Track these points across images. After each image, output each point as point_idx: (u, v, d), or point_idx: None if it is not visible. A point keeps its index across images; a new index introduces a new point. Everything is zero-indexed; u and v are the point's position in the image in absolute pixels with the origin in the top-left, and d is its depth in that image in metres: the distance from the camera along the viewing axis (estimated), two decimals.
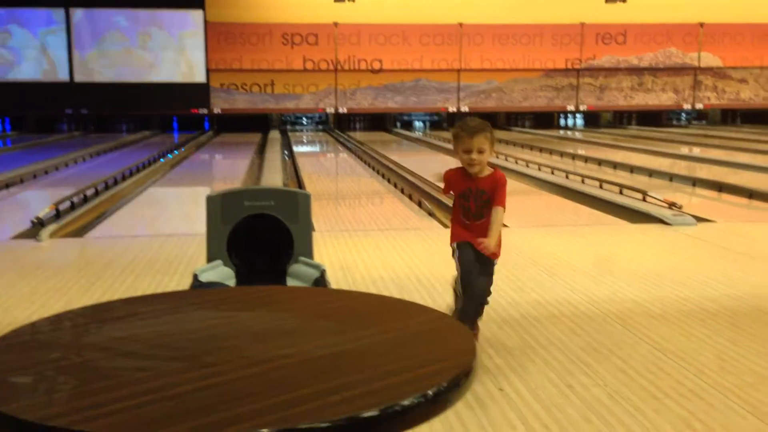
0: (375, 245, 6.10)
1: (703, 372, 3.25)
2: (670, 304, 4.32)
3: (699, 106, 22.69)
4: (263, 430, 1.01)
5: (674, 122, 23.20)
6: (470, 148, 3.30)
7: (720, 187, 9.45)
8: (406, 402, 1.04)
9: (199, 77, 21.43)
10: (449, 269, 5.39)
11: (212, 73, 21.51)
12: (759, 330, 3.83)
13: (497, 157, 13.63)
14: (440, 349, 1.26)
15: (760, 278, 4.91)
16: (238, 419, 1.05)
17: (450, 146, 16.57)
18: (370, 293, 1.64)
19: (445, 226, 7.31)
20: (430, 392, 1.07)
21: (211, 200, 3.23)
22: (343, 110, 22.02)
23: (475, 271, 3.41)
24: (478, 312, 3.56)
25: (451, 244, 3.53)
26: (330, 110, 22.06)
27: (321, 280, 3.11)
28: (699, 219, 6.97)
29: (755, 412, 2.86)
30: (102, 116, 21.20)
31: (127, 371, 1.24)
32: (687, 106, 22.73)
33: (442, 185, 3.57)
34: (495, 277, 3.63)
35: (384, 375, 1.16)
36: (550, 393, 3.07)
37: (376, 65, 21.84)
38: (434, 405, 1.09)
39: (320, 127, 22.64)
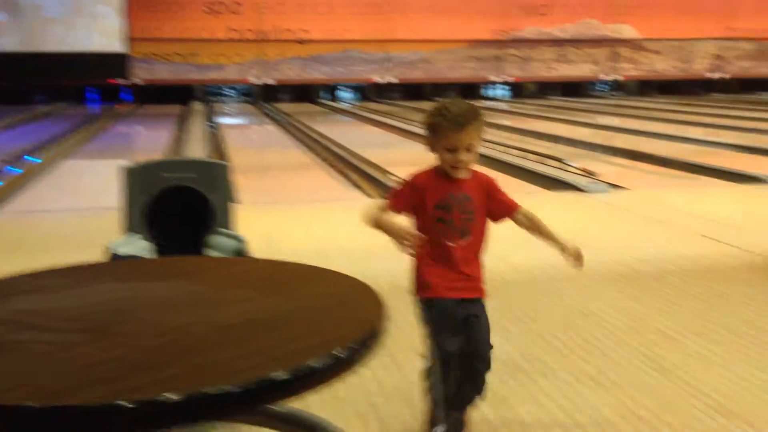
0: (300, 217, 6.11)
1: (611, 332, 3.41)
2: (584, 268, 4.48)
3: (617, 77, 23.34)
4: (170, 394, 1.03)
5: (595, 93, 23.82)
6: (457, 146, 2.26)
7: (635, 155, 9.81)
8: (314, 363, 1.09)
9: (118, 47, 20.76)
10: (374, 240, 5.47)
11: (132, 43, 20.87)
12: (664, 291, 4.04)
13: (421, 127, 13.75)
14: (351, 313, 1.30)
15: (667, 242, 5.15)
16: (145, 386, 1.07)
17: (379, 118, 16.66)
18: (284, 261, 1.67)
19: (371, 195, 7.38)
20: (338, 354, 1.12)
21: (127, 172, 3.18)
22: (269, 81, 21.74)
23: (464, 339, 2.34)
24: (479, 387, 2.42)
25: (418, 294, 2.41)
26: (255, 81, 21.74)
27: (241, 252, 3.11)
28: (613, 186, 7.24)
29: (658, 368, 3.03)
30: (13, 87, 20.30)
31: (33, 344, 1.24)
32: (606, 77, 23.36)
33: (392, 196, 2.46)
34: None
35: (294, 339, 1.20)
36: None
37: (303, 35, 21.60)
38: (343, 366, 1.14)
39: (246, 98, 22.30)
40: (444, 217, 2.35)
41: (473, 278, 2.38)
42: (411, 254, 2.33)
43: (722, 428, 2.54)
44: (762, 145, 10.78)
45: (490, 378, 2.94)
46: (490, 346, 2.38)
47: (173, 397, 1.03)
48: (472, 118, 2.28)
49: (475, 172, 2.40)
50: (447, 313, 2.32)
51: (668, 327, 3.50)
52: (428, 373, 2.39)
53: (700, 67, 23.71)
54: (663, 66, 23.56)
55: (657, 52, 23.44)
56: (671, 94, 22.87)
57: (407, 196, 2.38)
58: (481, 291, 2.39)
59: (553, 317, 3.63)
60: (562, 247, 2.44)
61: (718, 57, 23.68)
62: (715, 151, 10.75)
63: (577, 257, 2.43)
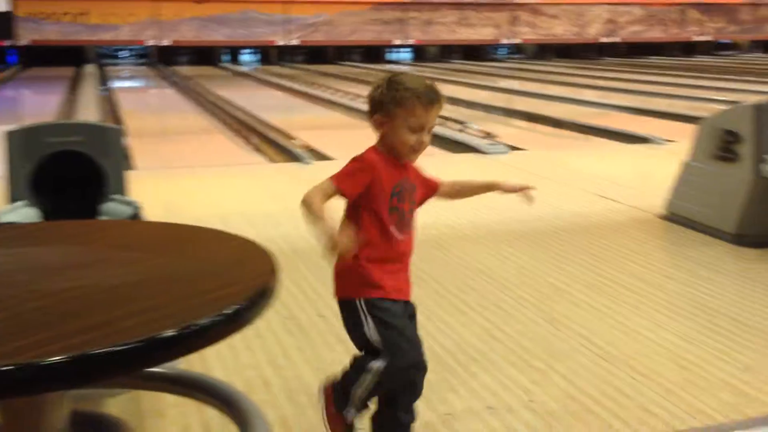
0: (199, 183, 5.99)
1: (505, 286, 3.54)
2: (482, 226, 4.62)
3: (517, 40, 23.81)
4: (53, 357, 1.01)
5: (495, 56, 24.23)
6: (424, 125, 2.00)
7: (533, 117, 10.09)
8: (203, 321, 1.08)
9: (2, 5, 19.52)
10: (275, 205, 5.46)
11: (16, 1, 19.66)
12: (557, 247, 4.22)
13: (326, 91, 13.67)
14: (241, 272, 1.30)
15: (560, 199, 5.35)
16: (25, 349, 1.04)
17: (282, 81, 16.40)
18: (177, 223, 1.64)
19: (273, 160, 7.31)
20: (227, 311, 1.12)
21: (10, 136, 3.03)
22: (166, 42, 20.99)
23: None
24: (419, 392, 2.13)
25: (360, 294, 2.08)
26: (151, 43, 20.94)
27: (136, 218, 3.03)
28: (512, 148, 7.43)
29: (549, 319, 3.17)
30: None
31: None
32: (506, 41, 23.78)
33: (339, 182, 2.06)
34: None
35: (182, 298, 1.19)
36: None
37: None
38: (232, 323, 1.14)
39: (142, 60, 21.47)
40: (397, 206, 2.05)
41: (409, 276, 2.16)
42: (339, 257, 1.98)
43: (607, 373, 2.69)
44: (651, 107, 11.28)
45: None
46: None
47: (56, 358, 1.01)
48: (440, 94, 2.03)
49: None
50: (403, 318, 2.07)
51: (559, 280, 3.66)
52: (363, 371, 2.03)
53: (594, 31, 24.48)
54: (560, 30, 24.18)
55: (554, 17, 24.02)
56: (567, 57, 23.55)
57: (360, 177, 2.00)
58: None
59: (450, 275, 3.73)
60: (500, 186, 2.33)
61: (611, 21, 24.50)
62: (607, 113, 11.18)
63: (520, 188, 2.34)
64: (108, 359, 1.04)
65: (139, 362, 1.09)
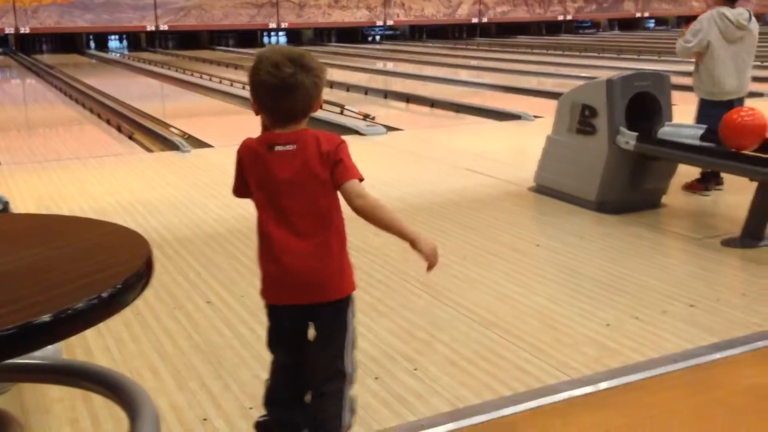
0: (73, 176, 5.78)
1: (388, 263, 3.67)
2: None
3: (390, 22, 24.07)
4: None
5: (369, 39, 24.39)
6: None
7: (408, 98, 10.29)
8: (79, 305, 1.10)
9: None
10: (154, 193, 5.36)
11: None
12: (434, 221, 4.39)
13: (201, 77, 13.38)
14: (115, 256, 1.32)
15: (436, 176, 5.55)
16: None
17: (153, 68, 15.87)
18: (47, 214, 1.62)
19: (149, 149, 7.13)
20: (104, 294, 1.14)
21: None
22: (25, 30, 19.82)
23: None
24: None
25: (352, 288, 2.00)
26: (9, 30, 19.72)
27: (4, 212, 2.92)
28: (389, 128, 7.59)
29: (430, 291, 3.32)
30: None
31: None
32: (379, 23, 24.00)
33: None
34: (202, 199, 3.56)
35: (57, 285, 1.20)
36: (256, 299, 3.24)
37: None
38: (109, 306, 1.16)
39: (0, 50, 20.20)
40: None
41: None
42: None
43: (485, 337, 2.87)
44: (521, 84, 11.76)
45: None
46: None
47: None
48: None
49: None
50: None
51: (439, 254, 3.81)
52: (349, 382, 2.00)
53: (464, 12, 25.11)
54: (431, 11, 24.64)
55: None
56: (439, 38, 24.06)
57: None
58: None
59: None
60: (417, 246, 2.13)
61: (479, 2, 25.20)
62: (480, 92, 11.57)
63: (428, 261, 2.15)
64: None
65: (15, 349, 1.09)
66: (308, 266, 1.87)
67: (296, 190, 1.86)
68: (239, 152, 1.92)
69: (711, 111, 4.63)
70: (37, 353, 1.66)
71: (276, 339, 2.00)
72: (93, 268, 1.27)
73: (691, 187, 4.92)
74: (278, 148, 1.86)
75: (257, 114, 1.93)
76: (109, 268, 1.25)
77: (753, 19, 4.74)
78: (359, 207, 1.86)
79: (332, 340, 1.95)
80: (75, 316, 1.09)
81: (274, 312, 1.97)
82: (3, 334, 1.03)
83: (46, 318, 1.07)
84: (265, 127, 1.94)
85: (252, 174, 1.90)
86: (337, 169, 1.86)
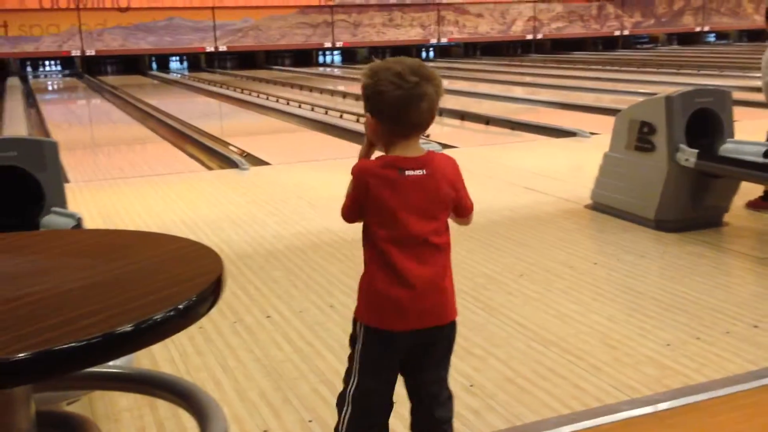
0: (137, 192, 5.98)
1: None
2: None
3: (443, 40, 24.18)
4: (15, 354, 1.07)
5: (423, 57, 24.52)
6: None
7: (463, 115, 10.32)
8: (158, 316, 1.17)
9: None
10: (214, 211, 5.51)
11: None
12: (490, 239, 4.39)
13: (258, 96, 13.65)
14: (190, 270, 1.38)
15: (492, 194, 5.55)
16: None
17: (212, 88, 16.27)
18: (121, 230, 1.71)
19: (209, 167, 7.32)
20: (180, 306, 1.20)
21: None
22: (90, 52, 20.56)
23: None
24: None
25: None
26: (76, 53, 20.49)
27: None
28: (444, 146, 7.61)
29: (486, 308, 3.33)
30: None
31: None
32: (433, 40, 24.12)
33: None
34: (261, 216, 3.55)
35: (136, 297, 1.27)
36: (314, 314, 3.33)
37: (123, 3, 20.56)
38: (185, 317, 1.23)
39: (67, 71, 20.99)
40: None
41: None
42: None
43: (540, 355, 2.86)
44: (577, 101, 11.67)
45: (341, 332, 3.11)
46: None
47: (20, 356, 1.07)
48: None
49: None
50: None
51: (494, 271, 3.83)
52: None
53: (518, 29, 25.05)
54: (486, 28, 24.66)
55: (479, 15, 24.48)
56: (493, 55, 24.03)
57: None
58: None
59: None
60: None
61: (534, 19, 25.12)
62: (535, 109, 11.53)
63: None
64: (68, 355, 1.11)
65: (98, 357, 1.16)
66: (433, 289, 1.86)
67: (424, 217, 1.83)
68: (361, 176, 1.82)
69: None
70: (110, 363, 1.75)
71: (382, 367, 1.91)
72: (170, 282, 1.33)
73: (755, 205, 4.82)
74: (409, 172, 1.81)
75: (373, 131, 1.84)
76: (185, 282, 1.32)
77: None
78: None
79: (446, 363, 1.97)
80: (154, 326, 1.16)
81: (387, 339, 1.86)
82: (88, 343, 1.10)
83: (127, 328, 1.14)
84: (371, 145, 1.89)
85: (377, 199, 1.81)
86: (461, 202, 1.91)
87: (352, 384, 1.91)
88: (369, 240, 1.85)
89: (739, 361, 2.76)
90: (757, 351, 2.84)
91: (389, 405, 1.95)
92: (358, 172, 1.83)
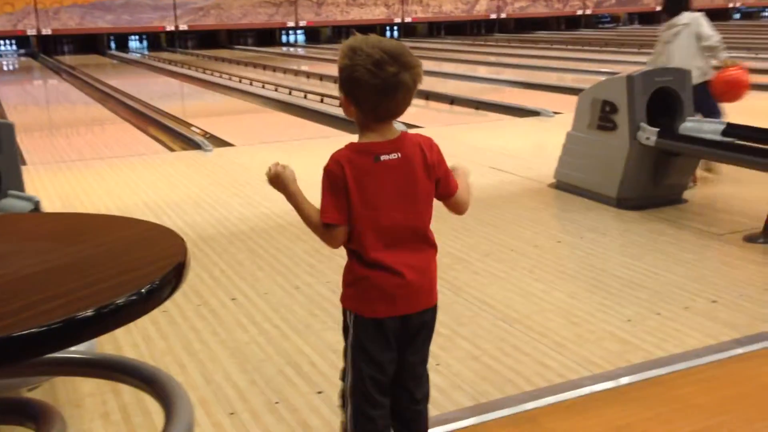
0: (97, 175, 5.87)
1: None
2: None
3: (408, 19, 24.07)
4: None
5: (388, 36, 24.38)
6: None
7: (427, 95, 10.30)
8: (120, 300, 1.15)
9: None
10: (177, 192, 5.43)
11: None
12: (455, 218, 4.38)
13: (220, 76, 13.48)
14: (153, 253, 1.37)
15: None
16: None
17: (173, 68, 15.99)
18: (82, 213, 1.68)
19: (171, 149, 7.22)
20: (143, 290, 1.19)
21: None
22: (46, 31, 20.06)
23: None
24: None
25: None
26: (31, 32, 19.97)
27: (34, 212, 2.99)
28: (409, 126, 7.61)
29: (452, 287, 3.35)
30: None
31: None
32: (397, 20, 24.01)
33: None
34: (225, 198, 3.56)
35: (98, 281, 1.25)
36: (279, 295, 3.32)
37: None
38: (148, 301, 1.21)
39: (22, 51, 20.45)
40: None
41: None
42: None
43: (505, 333, 2.89)
44: (539, 80, 11.73)
45: (307, 314, 3.10)
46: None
47: None
48: None
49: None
50: None
51: (459, 250, 3.85)
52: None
53: (482, 8, 25.05)
54: (449, 8, 24.61)
55: None
56: (457, 35, 24.01)
57: None
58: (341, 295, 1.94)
59: None
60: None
61: None
62: (500, 88, 11.56)
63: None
64: (29, 341, 1.09)
65: (60, 342, 1.14)
66: (420, 275, 1.83)
67: (404, 200, 1.79)
68: (336, 170, 1.76)
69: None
70: (73, 348, 1.72)
71: (377, 353, 1.85)
72: (133, 265, 1.32)
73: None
74: (383, 157, 1.76)
75: (347, 111, 1.81)
76: (149, 265, 1.30)
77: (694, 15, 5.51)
78: (462, 213, 1.93)
79: (428, 345, 1.95)
80: (116, 311, 1.14)
81: (378, 325, 1.83)
82: (49, 329, 1.08)
83: (89, 312, 1.12)
84: (358, 124, 1.82)
85: (358, 191, 1.75)
86: (443, 182, 1.85)
87: (350, 376, 1.88)
88: (351, 230, 1.79)
89: (699, 336, 2.82)
90: (715, 325, 2.91)
91: (388, 392, 1.90)
92: (332, 162, 1.77)
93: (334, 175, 1.76)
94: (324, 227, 1.79)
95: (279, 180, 1.83)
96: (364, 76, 1.71)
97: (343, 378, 1.94)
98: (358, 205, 1.76)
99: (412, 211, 1.81)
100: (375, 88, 1.72)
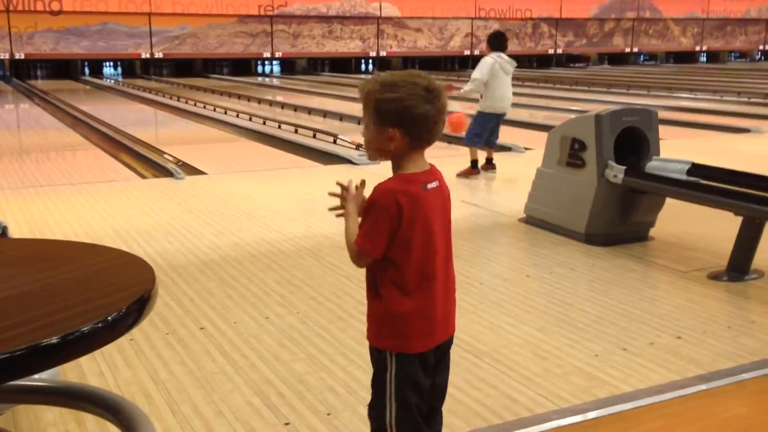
0: (67, 201, 5.82)
1: None
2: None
3: (383, 53, 24.34)
4: None
5: (362, 69, 24.62)
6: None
7: None
8: (85, 328, 1.14)
9: None
10: (148, 220, 5.38)
11: None
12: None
13: (195, 105, 13.47)
14: (119, 281, 1.36)
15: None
16: None
17: (148, 95, 15.96)
18: (51, 239, 1.67)
19: (143, 176, 7.18)
20: (109, 318, 1.18)
21: None
22: (20, 56, 19.94)
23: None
24: None
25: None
26: (4, 56, 19.84)
27: (3, 237, 2.96)
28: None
29: None
30: None
31: None
32: (372, 54, 24.26)
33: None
34: (196, 226, 3.56)
35: (64, 308, 1.24)
36: (249, 326, 3.30)
37: (56, 6, 20.02)
38: (113, 330, 1.20)
39: None
40: None
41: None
42: None
43: (475, 366, 2.91)
44: (510, 117, 11.85)
45: (276, 344, 3.09)
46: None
47: None
48: (360, 88, 1.89)
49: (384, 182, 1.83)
50: None
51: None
52: None
53: (456, 44, 25.43)
54: (424, 43, 24.94)
55: (418, 30, 24.75)
56: (431, 69, 24.31)
57: None
58: (368, 335, 1.94)
59: (327, 283, 3.86)
60: None
61: (471, 35, 25.53)
62: None
63: None
64: None
65: (23, 370, 1.12)
66: (451, 303, 1.92)
67: (443, 230, 1.85)
68: (389, 203, 1.74)
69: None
70: (36, 376, 1.70)
71: (420, 384, 1.87)
72: (100, 293, 1.31)
73: (465, 174, 6.73)
74: (429, 186, 1.81)
75: (387, 145, 1.79)
76: (116, 293, 1.30)
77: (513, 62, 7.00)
78: None
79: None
80: (81, 338, 1.13)
81: (420, 359, 1.85)
82: (11, 356, 1.07)
83: (53, 340, 1.11)
84: (394, 157, 1.81)
85: (412, 221, 1.76)
86: None
87: (394, 408, 1.87)
88: (391, 264, 1.79)
89: (663, 372, 2.86)
90: (679, 362, 2.95)
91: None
92: (384, 194, 1.76)
93: (386, 207, 1.76)
94: (357, 251, 1.82)
95: (353, 198, 1.89)
96: (419, 104, 1.76)
97: (375, 413, 1.92)
98: (411, 235, 1.77)
99: (449, 240, 1.88)
100: (427, 114, 1.76)
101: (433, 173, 1.85)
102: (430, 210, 1.80)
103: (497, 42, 7.04)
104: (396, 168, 1.83)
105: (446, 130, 5.13)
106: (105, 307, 1.20)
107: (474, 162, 6.97)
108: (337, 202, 1.96)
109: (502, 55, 6.94)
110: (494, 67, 6.81)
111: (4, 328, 1.15)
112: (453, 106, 5.84)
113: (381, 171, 7.75)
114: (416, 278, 1.80)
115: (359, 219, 1.85)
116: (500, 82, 6.84)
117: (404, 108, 1.76)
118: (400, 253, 1.78)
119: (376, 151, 1.86)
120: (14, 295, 1.31)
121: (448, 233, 1.89)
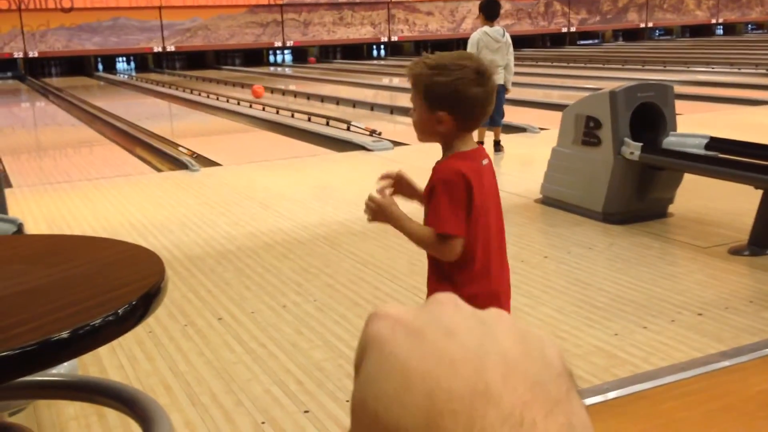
0: (84, 196, 5.85)
1: (396, 277, 3.70)
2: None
3: (394, 38, 24.22)
4: None
5: (374, 55, 24.53)
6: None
7: None
8: (95, 322, 1.14)
9: None
10: (164, 213, 5.41)
11: None
12: None
13: (208, 97, 13.50)
14: (131, 274, 1.36)
15: None
16: None
17: (161, 89, 16.03)
18: (61, 234, 1.67)
19: (158, 170, 7.21)
20: (119, 311, 1.18)
21: None
22: (33, 54, 20.05)
23: None
24: None
25: None
26: (18, 55, 19.96)
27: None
28: (396, 143, 7.64)
29: None
30: None
31: None
32: (384, 39, 24.14)
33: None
34: (212, 217, 3.59)
35: (74, 303, 1.24)
36: (266, 315, 3.30)
37: (67, 3, 20.09)
38: (125, 322, 1.20)
39: (9, 74, 20.42)
40: None
41: None
42: None
43: None
44: (524, 97, 11.80)
45: (294, 332, 3.09)
46: None
47: None
48: (409, 68, 1.89)
49: (441, 161, 1.86)
50: None
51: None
52: None
53: (468, 26, 25.24)
54: (435, 26, 24.78)
55: (429, 13, 24.59)
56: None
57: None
58: None
59: (343, 269, 3.85)
60: None
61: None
62: None
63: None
64: (3, 364, 1.07)
65: (34, 365, 1.12)
66: (508, 281, 1.94)
67: (498, 205, 1.89)
68: (457, 179, 1.74)
69: None
70: (53, 370, 1.71)
71: None
72: (110, 286, 1.30)
73: None
74: (484, 162, 1.84)
75: (437, 127, 1.80)
76: (126, 286, 1.29)
77: (506, 34, 6.93)
78: None
79: None
80: (92, 332, 1.13)
81: None
82: (23, 351, 1.06)
83: (64, 334, 1.10)
84: (444, 138, 1.82)
85: (479, 195, 1.77)
86: None
87: None
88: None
89: (685, 349, 2.82)
90: (701, 339, 2.91)
91: None
92: (450, 172, 1.76)
93: (456, 184, 1.77)
94: (440, 240, 1.79)
95: (381, 211, 1.89)
96: (470, 87, 1.77)
97: None
98: (477, 210, 1.78)
99: (502, 215, 1.90)
100: (477, 96, 1.77)
101: (482, 151, 1.87)
102: (487, 185, 1.83)
103: (491, 10, 7.00)
104: (448, 149, 1.85)
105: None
106: (115, 301, 1.20)
107: (479, 144, 7.00)
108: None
109: (489, 30, 6.91)
110: (479, 45, 6.84)
111: (13, 324, 1.15)
112: None
113: (396, 156, 7.78)
114: (481, 260, 1.80)
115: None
116: (486, 59, 6.95)
117: (455, 91, 1.76)
118: (470, 231, 1.79)
119: (424, 133, 1.87)
120: (23, 291, 1.30)
121: (500, 209, 1.90)
